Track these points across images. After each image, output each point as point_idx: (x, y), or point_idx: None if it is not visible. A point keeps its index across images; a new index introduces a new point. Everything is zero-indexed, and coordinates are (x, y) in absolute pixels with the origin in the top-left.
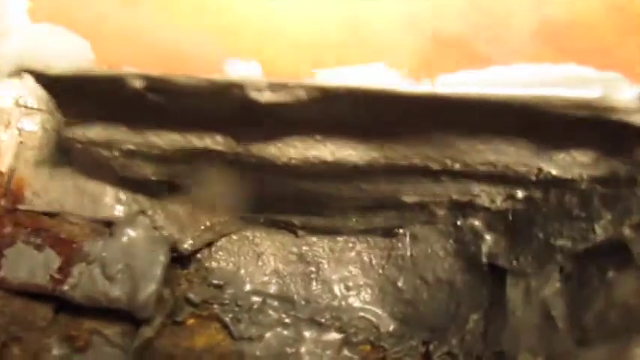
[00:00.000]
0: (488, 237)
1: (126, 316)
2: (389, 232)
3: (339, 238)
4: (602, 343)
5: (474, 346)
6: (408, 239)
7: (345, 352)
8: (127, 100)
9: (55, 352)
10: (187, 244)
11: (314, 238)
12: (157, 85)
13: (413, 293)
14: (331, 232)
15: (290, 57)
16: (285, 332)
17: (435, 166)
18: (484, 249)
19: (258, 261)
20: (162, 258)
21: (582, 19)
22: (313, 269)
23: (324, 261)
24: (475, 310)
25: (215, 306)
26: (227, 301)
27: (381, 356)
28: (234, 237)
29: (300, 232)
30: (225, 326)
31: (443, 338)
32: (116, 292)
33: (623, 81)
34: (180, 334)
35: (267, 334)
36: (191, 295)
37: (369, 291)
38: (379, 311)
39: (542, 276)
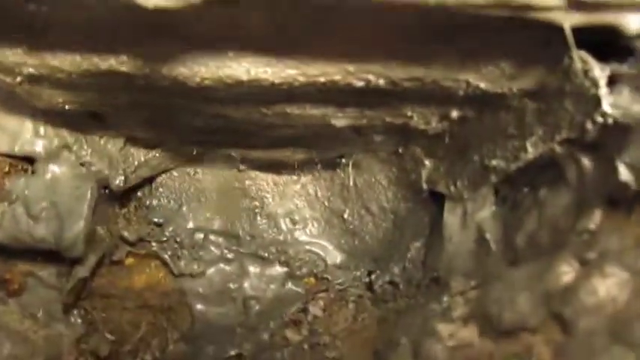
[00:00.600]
0: (427, 162)
1: (60, 257)
2: (332, 163)
3: (283, 171)
4: (531, 262)
5: (414, 274)
6: (350, 169)
7: (290, 285)
8: (10, 16)
9: None
10: (119, 181)
11: (257, 172)
12: None
13: (358, 224)
14: (273, 165)
15: None
16: (228, 268)
17: (357, 83)
18: (424, 175)
19: (200, 197)
20: (89, 194)
21: None
22: (257, 204)
23: (268, 195)
24: (416, 239)
25: (153, 244)
26: (165, 238)
27: (324, 288)
28: (175, 173)
29: (242, 167)
30: (165, 264)
31: (386, 268)
32: (41, 231)
33: None
34: (119, 274)
35: (210, 270)
36: (126, 234)
37: (316, 224)
38: (326, 244)
39: (478, 200)
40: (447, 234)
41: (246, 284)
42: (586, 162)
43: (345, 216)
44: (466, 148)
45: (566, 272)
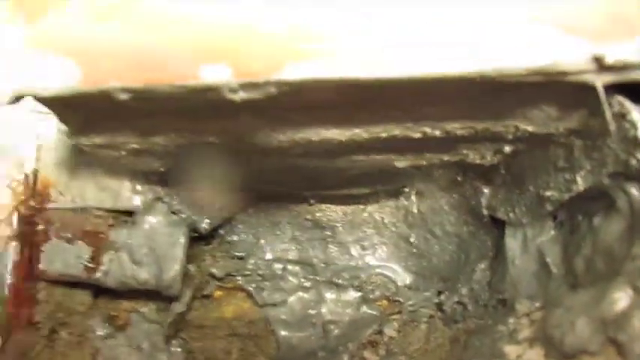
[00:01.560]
0: (486, 190)
1: (159, 294)
2: (396, 192)
3: (350, 202)
4: (589, 287)
5: (481, 294)
6: (414, 196)
7: (364, 308)
8: (117, 108)
9: (99, 332)
10: (205, 223)
11: (326, 204)
12: (140, 96)
13: (424, 247)
14: (340, 197)
15: (258, 57)
16: (307, 295)
17: (416, 135)
18: (483, 202)
19: (275, 230)
20: (182, 239)
21: None
22: (329, 233)
23: (338, 224)
24: (481, 260)
25: (238, 277)
26: (249, 272)
27: (397, 310)
28: (251, 210)
29: (312, 201)
30: (249, 295)
31: (454, 288)
32: (144, 274)
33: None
34: (210, 306)
35: (290, 299)
36: (214, 270)
37: (384, 248)
38: (395, 266)
39: (537, 225)
40: (510, 257)
41: (324, 310)
42: (635, 192)
43: (412, 240)
44: (521, 178)
45: (621, 299)
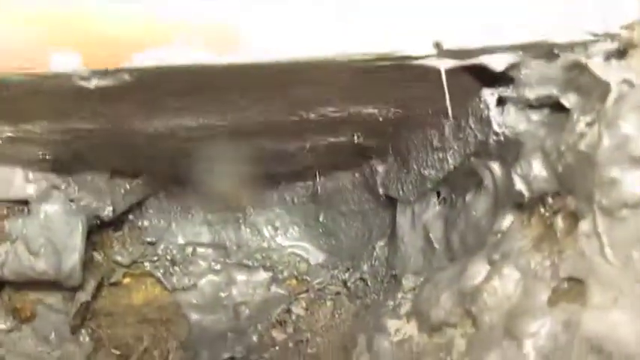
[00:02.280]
0: (380, 169)
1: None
2: (302, 173)
3: (259, 183)
4: (456, 262)
5: (379, 270)
6: (319, 177)
7: (274, 288)
8: None
9: (2, 325)
10: (107, 211)
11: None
12: None
13: (333, 225)
14: (249, 180)
15: (107, 46)
16: (217, 278)
17: (293, 118)
18: (378, 180)
19: (187, 214)
20: (80, 227)
21: None
22: (240, 215)
23: (249, 206)
24: (381, 238)
25: (146, 264)
26: (156, 258)
27: (305, 289)
28: (162, 194)
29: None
30: (159, 281)
31: (357, 265)
32: (42, 265)
33: None
34: (119, 294)
35: (201, 282)
36: (119, 258)
37: (296, 228)
38: (307, 245)
39: (423, 202)
40: (400, 234)
41: (234, 291)
42: (497, 170)
43: (320, 218)
44: (406, 158)
45: (479, 273)
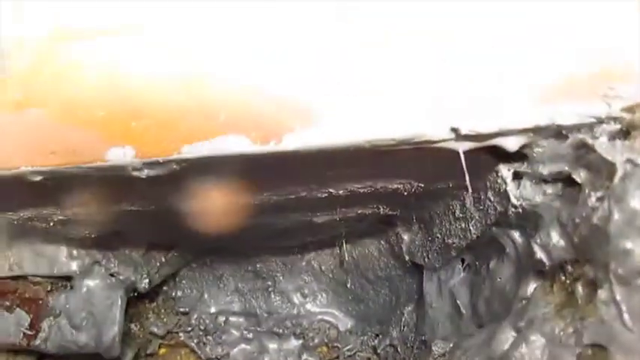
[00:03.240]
0: (405, 237)
1: (101, 356)
2: (329, 241)
3: (288, 252)
4: (485, 329)
5: (409, 336)
6: (345, 243)
7: (305, 356)
8: (34, 188)
9: None
10: (144, 283)
11: (266, 255)
12: (51, 177)
13: (361, 291)
14: (278, 248)
15: (158, 138)
16: (249, 347)
17: (322, 195)
18: (404, 248)
19: (219, 283)
20: (119, 301)
21: None
22: (270, 283)
23: (278, 274)
24: (408, 303)
25: (181, 334)
26: (190, 328)
27: (335, 355)
28: (195, 265)
29: (250, 252)
30: (193, 350)
31: (387, 331)
32: (83, 338)
33: None
34: None
35: (233, 351)
36: (155, 329)
37: (324, 295)
38: (336, 312)
39: (449, 269)
40: (428, 300)
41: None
42: (517, 239)
43: (349, 285)
44: (430, 226)
45: (507, 339)
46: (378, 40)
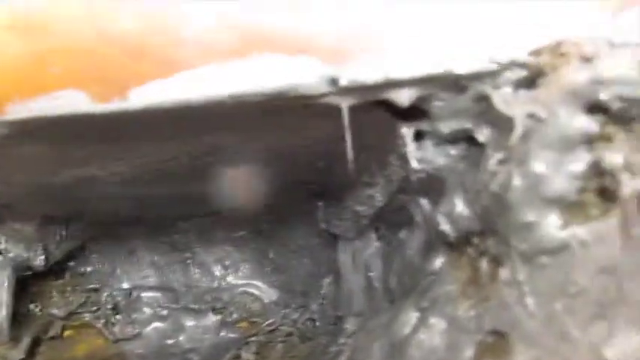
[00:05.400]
0: (320, 204)
1: None
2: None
3: (207, 220)
4: (390, 307)
5: (328, 310)
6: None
7: (224, 332)
8: None
9: None
10: (39, 260)
11: (183, 224)
12: None
13: (284, 262)
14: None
15: None
16: (163, 325)
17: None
18: (319, 215)
19: (132, 257)
20: (7, 282)
21: None
22: (189, 255)
23: (196, 246)
24: (327, 275)
25: (86, 314)
26: (96, 307)
27: (255, 331)
28: (104, 239)
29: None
30: (100, 331)
31: (307, 304)
32: None
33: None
34: (60, 347)
35: (146, 330)
36: (55, 310)
37: (247, 265)
38: (259, 283)
39: (363, 238)
40: (343, 272)
41: (182, 338)
42: (425, 206)
43: (271, 255)
44: (342, 193)
45: (408, 322)
46: None
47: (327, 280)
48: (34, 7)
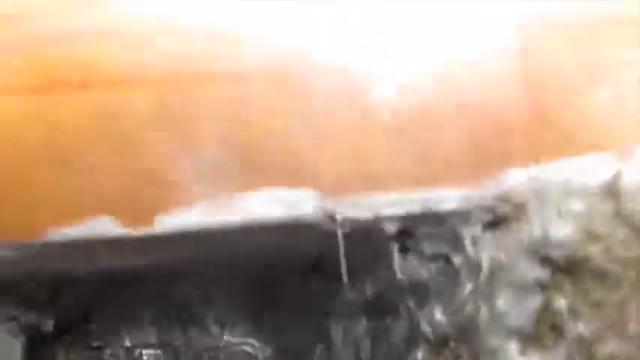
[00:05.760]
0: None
1: None
2: None
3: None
4: None
5: None
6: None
7: None
8: None
9: None
10: (48, 325)
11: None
12: None
13: (279, 321)
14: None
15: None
16: None
17: None
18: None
19: (135, 315)
20: (19, 346)
21: None
22: (187, 312)
23: (194, 303)
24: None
25: None
26: None
27: None
28: (108, 297)
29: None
30: None
31: None
32: None
33: None
34: None
35: None
36: None
37: (244, 324)
38: (255, 342)
39: (354, 316)
40: (334, 347)
41: None
42: (409, 304)
43: (266, 315)
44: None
45: None
46: None
47: (320, 346)
48: None
